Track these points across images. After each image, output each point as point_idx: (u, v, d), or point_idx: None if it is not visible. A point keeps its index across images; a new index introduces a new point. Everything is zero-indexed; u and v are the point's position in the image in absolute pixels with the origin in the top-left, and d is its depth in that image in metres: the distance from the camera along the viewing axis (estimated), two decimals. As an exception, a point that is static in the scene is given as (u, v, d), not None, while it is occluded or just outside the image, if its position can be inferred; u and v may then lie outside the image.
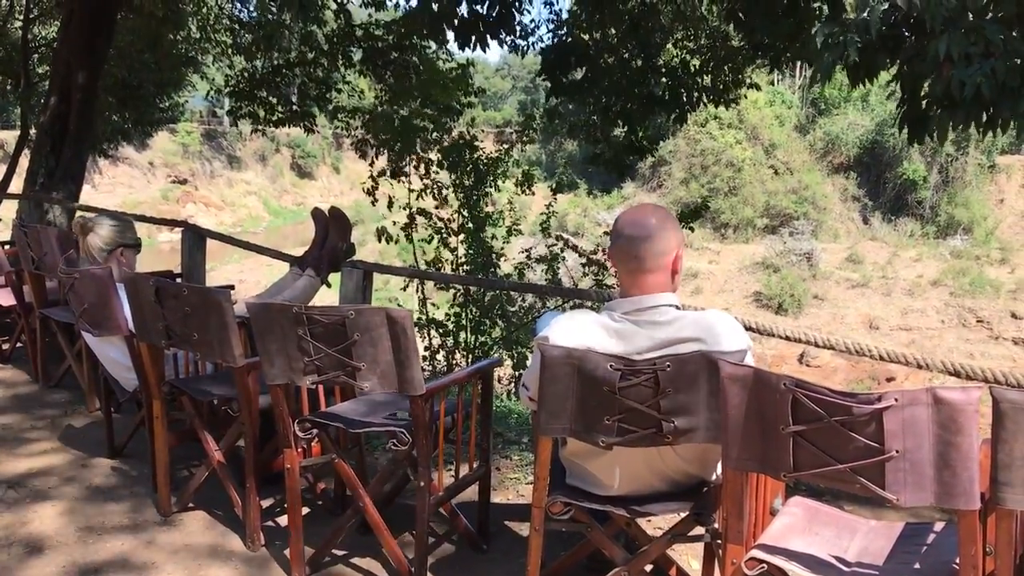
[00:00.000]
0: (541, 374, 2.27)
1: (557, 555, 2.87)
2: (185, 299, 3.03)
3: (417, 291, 7.36)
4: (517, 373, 7.40)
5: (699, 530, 2.51)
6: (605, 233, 7.80)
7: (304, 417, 2.92)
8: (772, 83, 36.29)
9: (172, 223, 5.56)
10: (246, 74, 9.55)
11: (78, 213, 6.22)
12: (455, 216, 7.30)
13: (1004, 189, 35.17)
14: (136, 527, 3.28)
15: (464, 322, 7.35)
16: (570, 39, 6.97)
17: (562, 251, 7.73)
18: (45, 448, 4.01)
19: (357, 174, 50.46)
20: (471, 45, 6.85)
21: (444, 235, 7.23)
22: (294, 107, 9.53)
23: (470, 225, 7.25)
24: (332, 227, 4.27)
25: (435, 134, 7.64)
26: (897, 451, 1.91)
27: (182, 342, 3.14)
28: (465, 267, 7.26)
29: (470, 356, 7.28)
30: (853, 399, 1.93)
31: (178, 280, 4.76)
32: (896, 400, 1.90)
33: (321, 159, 49.23)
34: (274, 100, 9.55)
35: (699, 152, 35.70)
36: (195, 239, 5.36)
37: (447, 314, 7.39)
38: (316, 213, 4.38)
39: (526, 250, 7.64)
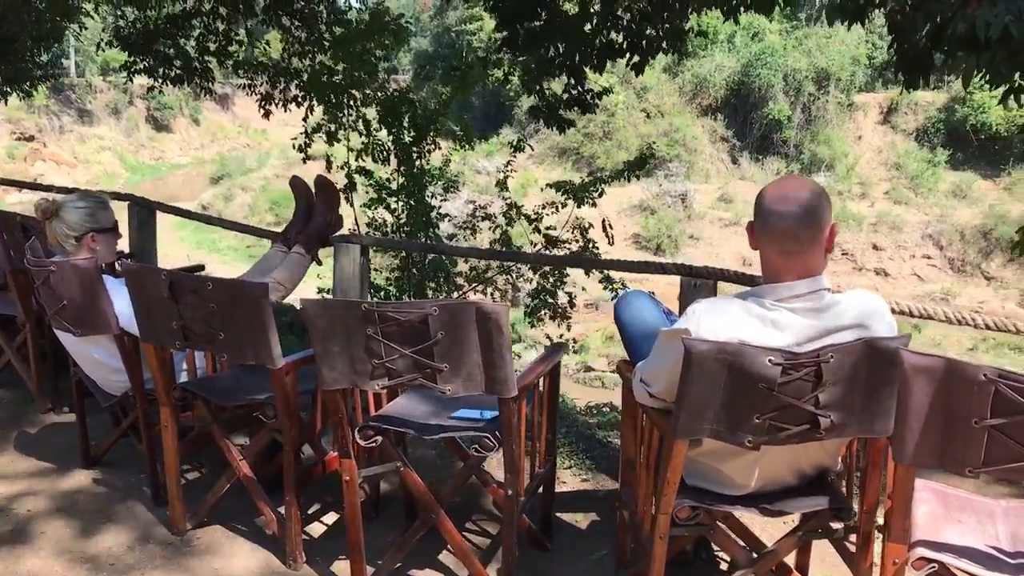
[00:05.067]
0: (685, 372, 2.03)
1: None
2: (209, 294, 2.63)
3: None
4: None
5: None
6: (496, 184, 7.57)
7: (366, 424, 2.59)
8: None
9: (120, 196, 4.95)
10: (138, 24, 8.67)
11: (40, 194, 5.50)
12: (393, 175, 6.88)
13: (862, 126, 36.57)
14: (158, 554, 2.86)
15: (406, 286, 7.00)
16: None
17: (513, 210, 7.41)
18: (4, 460, 3.50)
19: (218, 125, 48.60)
20: None
21: (383, 196, 6.81)
22: (196, 63, 8.69)
23: (410, 185, 6.85)
24: (318, 198, 3.86)
25: (365, 87, 7.16)
26: (1113, 443, 1.79)
27: (203, 343, 2.75)
28: (404, 228, 6.87)
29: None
30: (1069, 390, 1.79)
31: (128, 260, 4.23)
32: (1119, 390, 1.76)
33: (179, 110, 46.50)
34: (171, 53, 8.76)
35: (573, 96, 35.53)
36: (144, 214, 4.77)
37: (387, 278, 7.02)
38: (296, 183, 3.94)
39: (477, 207, 7.30)
